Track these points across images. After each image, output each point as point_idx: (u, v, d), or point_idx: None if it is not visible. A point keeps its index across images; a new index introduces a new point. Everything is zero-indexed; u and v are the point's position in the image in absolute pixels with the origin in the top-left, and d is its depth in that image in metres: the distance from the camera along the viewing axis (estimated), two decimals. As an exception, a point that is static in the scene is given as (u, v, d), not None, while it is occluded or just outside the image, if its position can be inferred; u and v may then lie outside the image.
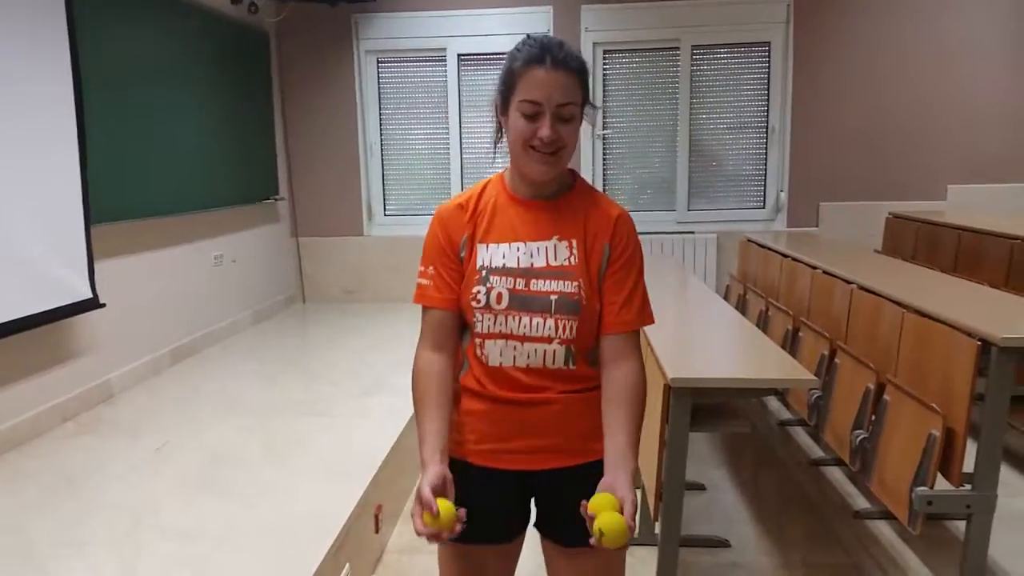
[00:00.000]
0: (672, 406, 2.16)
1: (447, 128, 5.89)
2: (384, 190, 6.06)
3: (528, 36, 1.32)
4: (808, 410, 3.10)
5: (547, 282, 1.34)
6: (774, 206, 5.74)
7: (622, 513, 1.20)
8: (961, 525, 2.44)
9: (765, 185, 5.76)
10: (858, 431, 2.65)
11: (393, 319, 5.40)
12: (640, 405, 1.35)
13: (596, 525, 1.17)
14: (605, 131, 5.78)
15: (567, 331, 1.34)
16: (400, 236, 6.00)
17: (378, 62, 5.87)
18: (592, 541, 1.18)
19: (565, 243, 1.36)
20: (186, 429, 3.26)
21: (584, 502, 1.22)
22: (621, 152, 5.84)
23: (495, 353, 1.36)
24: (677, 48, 5.61)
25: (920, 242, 4.49)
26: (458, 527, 1.24)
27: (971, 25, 5.47)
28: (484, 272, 1.34)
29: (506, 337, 1.34)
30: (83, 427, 3.35)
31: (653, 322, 1.41)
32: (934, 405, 2.28)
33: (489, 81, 5.80)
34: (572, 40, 5.50)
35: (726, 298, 4.88)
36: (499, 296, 1.33)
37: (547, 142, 1.28)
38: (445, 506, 1.23)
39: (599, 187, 5.79)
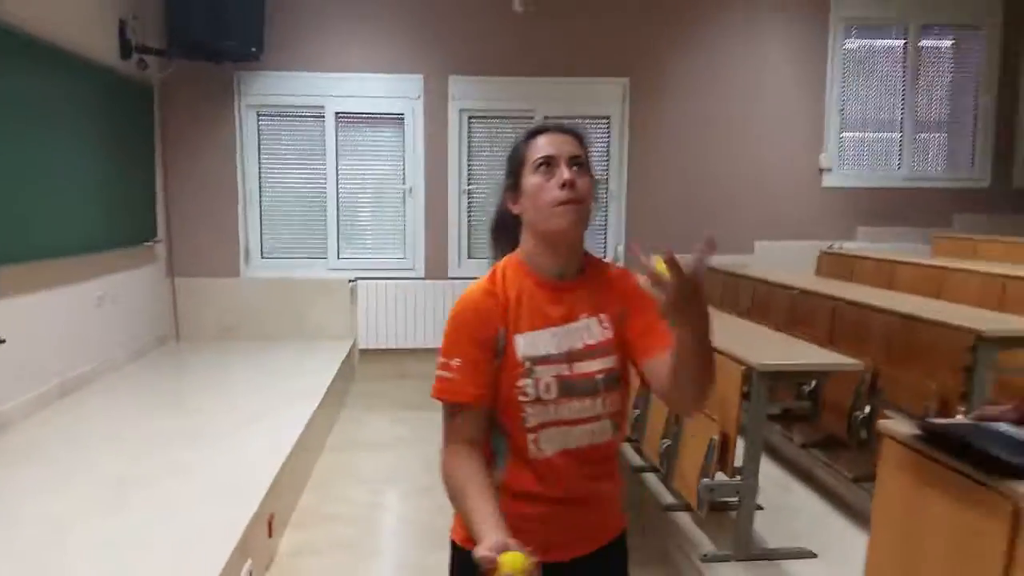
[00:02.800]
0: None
1: (324, 178, 6.35)
2: (261, 234, 6.42)
3: None
4: (632, 427, 3.81)
5: (589, 362, 1.34)
6: (613, 257, 6.58)
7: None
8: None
9: (606, 239, 6.60)
10: (664, 440, 3.37)
11: (267, 357, 5.72)
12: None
13: None
14: (469, 186, 6.44)
15: (612, 405, 1.37)
16: (275, 278, 6.36)
17: (258, 116, 6.27)
18: None
19: (595, 319, 1.37)
20: (80, 455, 3.53)
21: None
22: (484, 207, 6.50)
23: (548, 442, 1.33)
24: (532, 116, 6.39)
25: (726, 290, 5.42)
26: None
27: (777, 112, 6.60)
28: (527, 364, 1.31)
29: (558, 424, 1.33)
30: (-24, 457, 3.53)
31: None
32: (714, 416, 3.03)
33: (363, 136, 6.34)
34: (441, 106, 6.16)
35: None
36: (547, 386, 1.31)
37: (569, 182, 1.29)
38: (511, 560, 1.10)
39: (465, 237, 6.44)
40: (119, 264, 5.39)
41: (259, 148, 6.32)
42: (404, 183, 6.41)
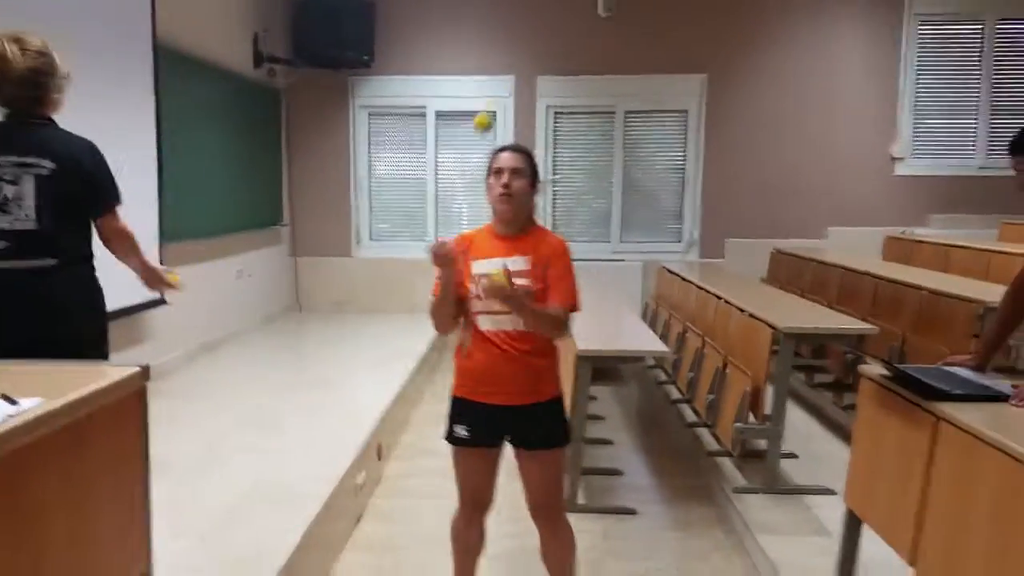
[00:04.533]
0: (579, 367, 3.39)
1: (424, 170, 7.13)
2: (371, 219, 7.26)
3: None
4: (687, 387, 4.36)
5: (515, 279, 2.11)
6: (688, 240, 7.05)
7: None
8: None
9: (682, 223, 7.08)
10: (710, 395, 3.90)
11: (373, 326, 6.55)
12: (556, 321, 2.18)
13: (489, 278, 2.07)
14: (556, 176, 7.06)
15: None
16: (382, 258, 7.19)
17: (369, 115, 7.10)
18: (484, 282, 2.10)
19: (523, 258, 2.20)
20: (225, 395, 4.39)
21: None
22: (568, 194, 7.15)
23: (485, 322, 2.21)
24: (613, 112, 6.94)
25: (791, 270, 5.83)
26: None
27: (849, 102, 6.89)
28: (476, 276, 2.20)
29: (490, 313, 2.20)
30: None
31: (578, 309, 2.22)
32: (748, 371, 3.55)
33: (460, 132, 7.08)
34: (529, 103, 6.77)
35: (645, 312, 6.17)
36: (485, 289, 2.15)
37: (504, 185, 2.19)
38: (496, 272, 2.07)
39: (550, 221, 7.06)
40: (253, 244, 6.33)
41: (369, 144, 7.16)
42: (495, 173, 7.08)
